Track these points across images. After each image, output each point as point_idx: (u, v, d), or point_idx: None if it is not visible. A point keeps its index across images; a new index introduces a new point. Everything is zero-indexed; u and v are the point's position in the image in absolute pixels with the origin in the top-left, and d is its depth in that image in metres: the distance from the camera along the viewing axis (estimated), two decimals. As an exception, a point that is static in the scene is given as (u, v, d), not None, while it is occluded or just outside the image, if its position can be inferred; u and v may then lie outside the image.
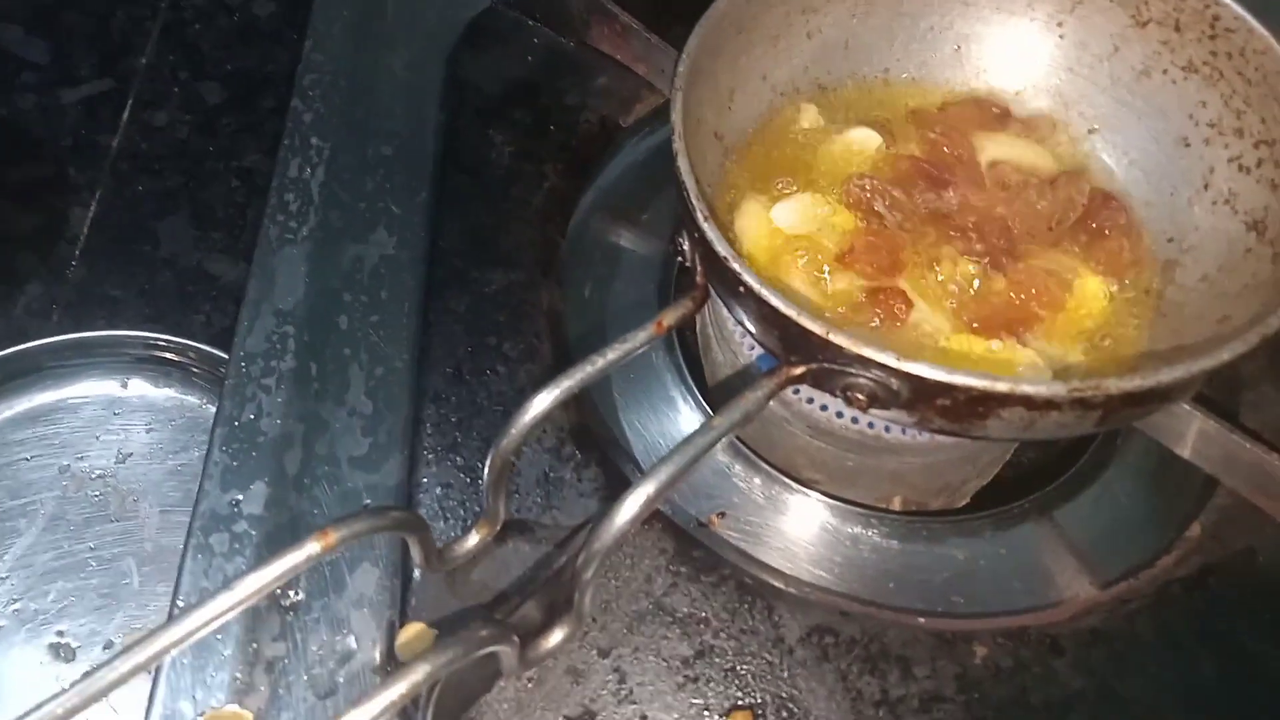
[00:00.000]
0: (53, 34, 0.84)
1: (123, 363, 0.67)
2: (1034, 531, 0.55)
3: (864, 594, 0.53)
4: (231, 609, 0.36)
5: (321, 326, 0.57)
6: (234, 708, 0.46)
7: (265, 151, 0.77)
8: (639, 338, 0.46)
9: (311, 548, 0.38)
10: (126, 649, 0.34)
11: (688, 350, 0.61)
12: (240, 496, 0.51)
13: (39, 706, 0.34)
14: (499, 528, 0.49)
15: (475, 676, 0.46)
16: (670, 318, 0.47)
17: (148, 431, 0.65)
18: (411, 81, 0.67)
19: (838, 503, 0.56)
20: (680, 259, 0.50)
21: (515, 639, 0.41)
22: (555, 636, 0.45)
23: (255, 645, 0.47)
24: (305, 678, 0.47)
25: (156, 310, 0.70)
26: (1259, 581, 0.52)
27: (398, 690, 0.35)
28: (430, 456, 0.54)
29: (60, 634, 0.59)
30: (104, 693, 0.34)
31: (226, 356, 0.64)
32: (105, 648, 0.58)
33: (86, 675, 0.34)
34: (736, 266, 0.43)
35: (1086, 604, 0.52)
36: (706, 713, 0.48)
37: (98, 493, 0.63)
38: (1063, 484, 0.57)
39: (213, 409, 0.65)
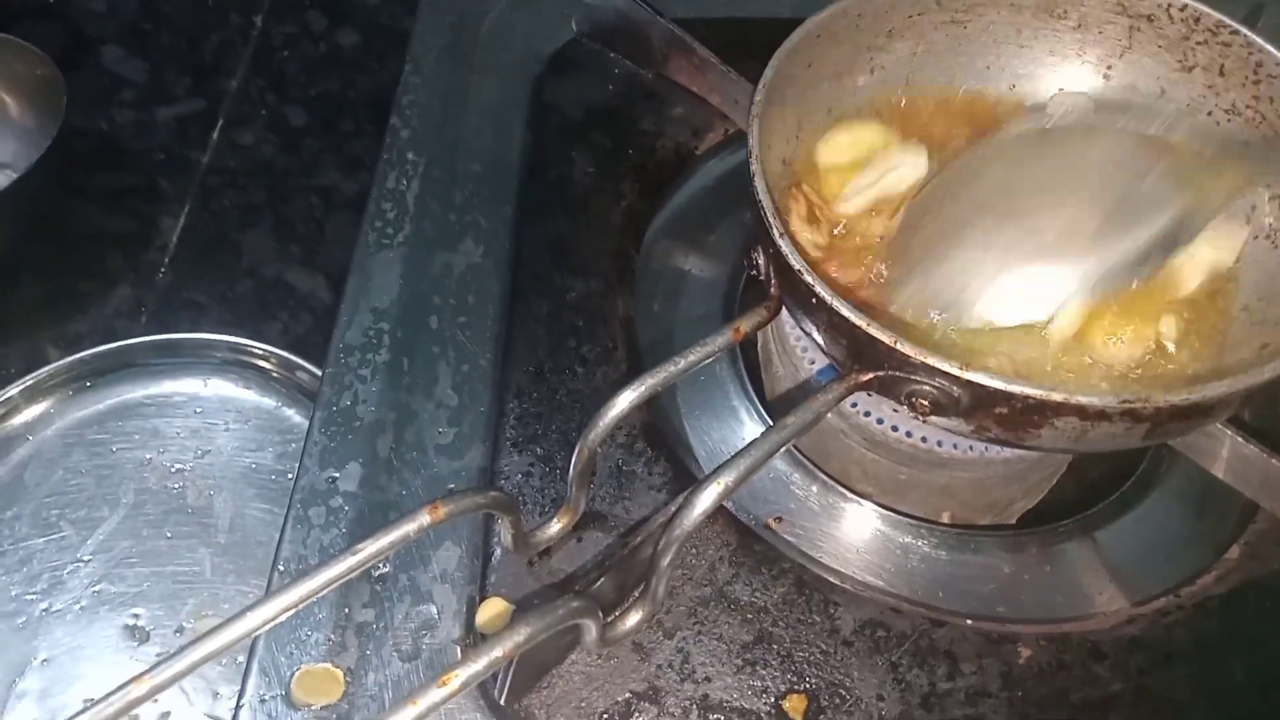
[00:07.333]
0: (151, 55, 0.89)
1: (206, 364, 0.70)
2: (1077, 550, 0.57)
3: (913, 598, 0.54)
4: (354, 569, 0.39)
5: (413, 325, 0.60)
6: (327, 665, 0.48)
7: (344, 171, 0.82)
8: (718, 342, 0.48)
9: (423, 518, 0.40)
10: (271, 594, 0.37)
11: (750, 363, 0.63)
12: (337, 475, 0.54)
13: (204, 636, 0.36)
14: (579, 516, 0.51)
15: (550, 649, 0.48)
16: (747, 325, 0.49)
17: (226, 430, 0.68)
18: (500, 104, 0.71)
19: (889, 513, 0.58)
20: (754, 272, 0.52)
21: (599, 614, 0.43)
22: (632, 618, 0.46)
23: (347, 610, 0.50)
24: (392, 642, 0.49)
25: (237, 316, 0.74)
26: (1294, 594, 0.54)
27: (502, 648, 0.38)
28: (511, 447, 0.56)
29: (136, 616, 0.62)
30: (253, 633, 0.37)
31: (303, 362, 0.68)
32: (177, 632, 0.61)
33: (243, 611, 0.37)
34: (810, 279, 0.45)
35: (1127, 614, 0.54)
36: (764, 694, 0.49)
37: (177, 485, 0.66)
38: (1106, 507, 0.58)
39: (288, 412, 0.69)
